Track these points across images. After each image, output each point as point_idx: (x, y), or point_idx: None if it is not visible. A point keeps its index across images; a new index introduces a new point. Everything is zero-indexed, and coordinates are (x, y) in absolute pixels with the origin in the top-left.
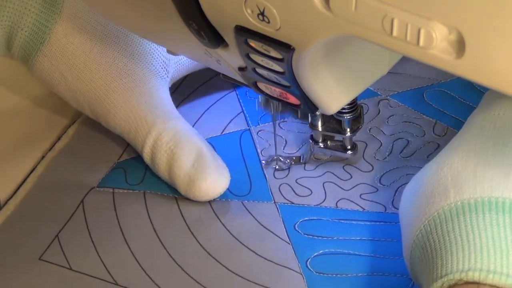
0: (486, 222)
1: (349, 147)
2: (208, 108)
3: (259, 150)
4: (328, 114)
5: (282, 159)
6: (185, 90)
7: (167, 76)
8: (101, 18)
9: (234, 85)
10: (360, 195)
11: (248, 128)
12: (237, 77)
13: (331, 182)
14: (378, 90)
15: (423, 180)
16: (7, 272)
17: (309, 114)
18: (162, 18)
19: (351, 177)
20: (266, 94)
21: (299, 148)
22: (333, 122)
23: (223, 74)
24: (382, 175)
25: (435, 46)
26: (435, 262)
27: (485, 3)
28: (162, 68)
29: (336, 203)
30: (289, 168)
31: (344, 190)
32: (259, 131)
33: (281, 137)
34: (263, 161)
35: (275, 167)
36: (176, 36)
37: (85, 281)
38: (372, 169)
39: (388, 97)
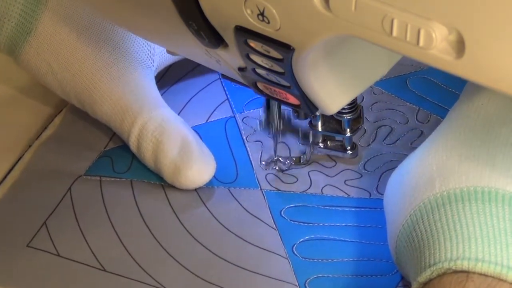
0: (473, 212)
1: (349, 147)
2: (193, 96)
3: (244, 137)
4: (328, 114)
5: (282, 160)
6: (170, 79)
7: (153, 65)
8: (87, 8)
9: (219, 73)
10: (345, 181)
11: (233, 115)
12: (237, 77)
13: (316, 170)
14: None
15: (408, 169)
16: None
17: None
18: (162, 18)
19: (336, 163)
20: (266, 94)
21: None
22: (333, 122)
23: (223, 74)
24: (366, 162)
25: (435, 46)
26: (423, 252)
27: (485, 3)
28: (147, 57)
29: (321, 189)
30: (289, 169)
31: (329, 176)
32: (244, 117)
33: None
34: (263, 162)
35: (275, 168)
36: (176, 36)
37: (73, 267)
38: (356, 155)
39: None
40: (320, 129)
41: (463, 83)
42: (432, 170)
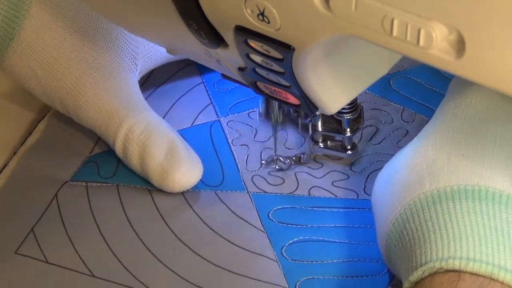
0: (463, 210)
1: (349, 147)
2: (177, 101)
3: (229, 141)
4: (328, 114)
5: (282, 159)
6: (153, 83)
7: (136, 70)
8: (70, 13)
9: (202, 76)
10: (332, 182)
11: (217, 119)
12: (237, 77)
13: (302, 171)
14: None
15: (396, 168)
16: None
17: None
18: (162, 18)
19: (322, 165)
20: (266, 94)
21: (270, 137)
22: (333, 122)
23: (222, 74)
24: (353, 163)
25: (435, 46)
26: (414, 251)
27: (485, 3)
28: (131, 61)
29: (309, 191)
30: (289, 168)
31: (316, 178)
32: (229, 121)
33: (251, 126)
34: (263, 161)
35: (275, 167)
36: (176, 36)
37: (62, 273)
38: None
39: None
40: (320, 129)
41: (447, 82)
42: (422, 169)
